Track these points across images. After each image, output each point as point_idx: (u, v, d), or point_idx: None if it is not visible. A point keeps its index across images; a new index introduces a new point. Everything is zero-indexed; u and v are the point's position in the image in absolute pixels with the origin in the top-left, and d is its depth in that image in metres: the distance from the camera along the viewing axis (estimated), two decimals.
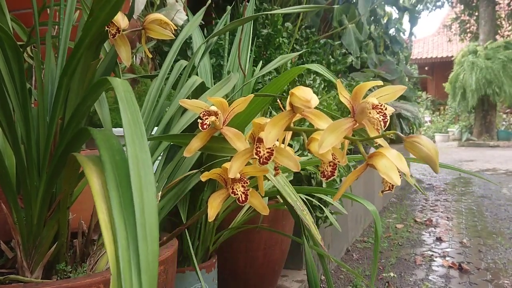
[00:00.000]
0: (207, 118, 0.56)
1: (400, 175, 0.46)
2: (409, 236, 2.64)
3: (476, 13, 13.65)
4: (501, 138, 11.92)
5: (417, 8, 4.67)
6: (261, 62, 1.70)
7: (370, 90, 0.49)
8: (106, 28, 0.64)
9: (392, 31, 4.29)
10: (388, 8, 4.38)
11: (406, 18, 4.51)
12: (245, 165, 0.57)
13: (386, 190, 0.49)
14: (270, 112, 1.50)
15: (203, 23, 1.77)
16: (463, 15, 14.52)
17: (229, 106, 0.59)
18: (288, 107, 0.53)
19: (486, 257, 2.21)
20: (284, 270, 1.56)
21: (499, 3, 13.79)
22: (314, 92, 0.50)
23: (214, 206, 0.60)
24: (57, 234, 0.66)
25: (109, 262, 0.33)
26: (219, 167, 0.60)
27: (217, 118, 0.57)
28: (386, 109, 0.47)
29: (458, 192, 4.36)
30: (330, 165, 0.53)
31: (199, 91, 0.89)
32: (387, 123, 0.46)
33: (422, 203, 3.74)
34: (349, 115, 0.49)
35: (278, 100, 0.64)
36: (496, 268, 2.05)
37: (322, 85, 1.81)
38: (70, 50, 0.61)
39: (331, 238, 1.99)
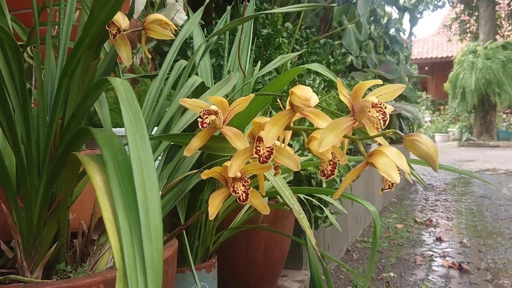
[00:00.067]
0: (207, 117, 0.56)
1: (400, 173, 0.46)
2: (409, 236, 2.63)
3: (476, 13, 13.66)
4: (501, 138, 11.92)
5: (418, 8, 4.67)
6: (261, 62, 1.70)
7: (370, 89, 0.49)
8: (107, 28, 0.64)
9: (392, 31, 4.29)
10: (388, 8, 4.39)
11: (406, 18, 4.52)
12: (246, 164, 0.57)
13: (386, 189, 0.49)
14: (270, 112, 1.50)
15: (203, 23, 1.78)
16: (463, 15, 14.53)
17: (229, 105, 0.59)
18: (288, 106, 0.53)
19: (486, 257, 2.21)
20: (284, 270, 1.56)
21: (499, 3, 13.80)
22: (314, 92, 0.50)
23: (214, 205, 0.60)
24: (57, 234, 0.66)
25: (115, 261, 0.33)
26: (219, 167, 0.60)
27: (217, 117, 0.57)
28: (385, 107, 0.47)
29: (458, 192, 4.36)
30: (330, 164, 0.53)
31: (199, 91, 0.89)
32: (387, 122, 0.46)
33: (422, 203, 3.74)
34: (348, 114, 0.49)
35: (278, 100, 0.64)
36: (496, 268, 2.05)
37: (322, 85, 1.81)
38: (70, 50, 0.61)
39: (331, 238, 1.99)
